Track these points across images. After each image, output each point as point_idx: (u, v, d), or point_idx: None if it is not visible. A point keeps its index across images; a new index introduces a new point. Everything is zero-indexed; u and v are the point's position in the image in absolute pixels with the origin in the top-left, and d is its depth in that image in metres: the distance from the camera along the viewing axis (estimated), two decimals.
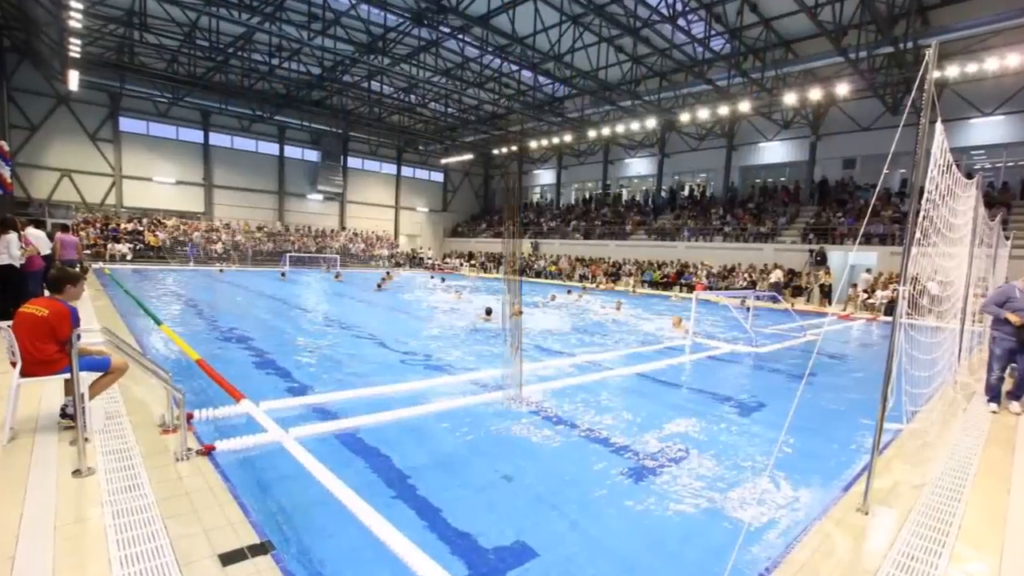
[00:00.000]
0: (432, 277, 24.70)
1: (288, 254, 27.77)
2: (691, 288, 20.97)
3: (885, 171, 15.46)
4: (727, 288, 20.60)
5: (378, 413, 4.68)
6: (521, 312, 12.13)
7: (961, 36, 15.37)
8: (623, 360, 7.85)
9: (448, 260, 36.09)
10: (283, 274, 21.87)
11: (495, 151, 34.91)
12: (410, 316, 11.97)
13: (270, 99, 27.29)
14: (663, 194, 30.84)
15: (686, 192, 30.65)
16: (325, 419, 4.52)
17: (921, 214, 3.72)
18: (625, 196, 34.10)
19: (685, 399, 5.96)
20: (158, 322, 8.80)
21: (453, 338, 9.07)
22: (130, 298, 11.87)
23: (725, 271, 22.44)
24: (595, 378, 6.61)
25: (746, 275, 21.24)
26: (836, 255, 20.09)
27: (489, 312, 11.27)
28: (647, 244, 27.20)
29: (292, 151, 33.28)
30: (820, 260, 20.04)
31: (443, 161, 38.94)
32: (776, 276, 19.67)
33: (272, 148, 32.44)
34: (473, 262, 34.44)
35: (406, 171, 39.02)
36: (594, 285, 24.59)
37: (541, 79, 23.27)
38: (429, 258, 35.58)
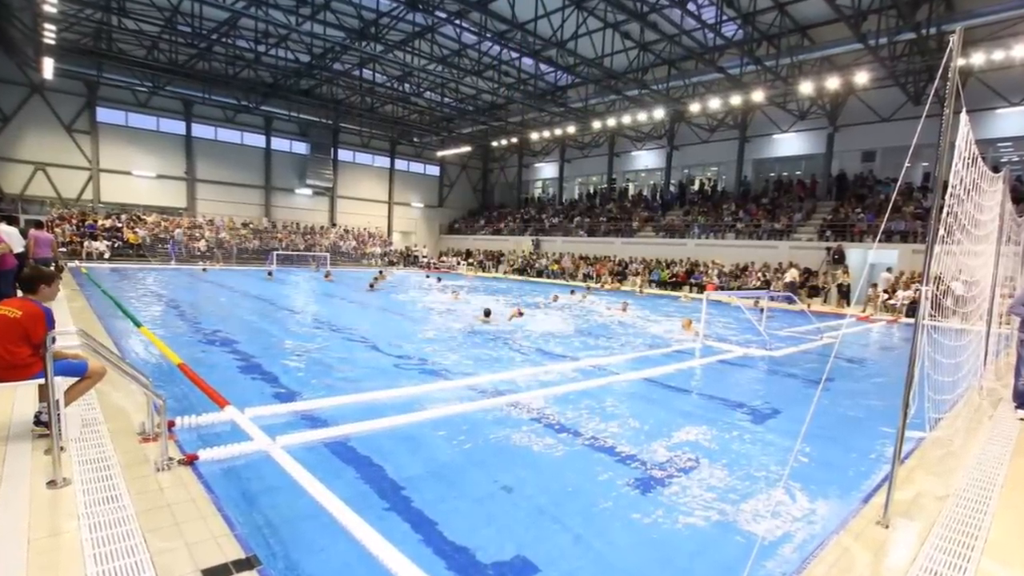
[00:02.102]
0: (427, 276, 24.72)
1: (275, 252, 27.79)
2: (701, 288, 20.98)
3: (907, 164, 15.53)
4: (739, 288, 20.61)
5: (370, 420, 4.68)
6: (522, 313, 12.16)
7: (987, 21, 15.34)
8: (630, 364, 7.86)
9: (445, 259, 36.11)
10: (270, 273, 21.88)
11: (494, 143, 34.92)
12: (404, 318, 11.98)
13: (256, 88, 27.30)
14: (672, 189, 30.84)
15: (696, 187, 30.65)
16: (314, 427, 4.52)
17: (945, 210, 3.73)
18: (632, 191, 34.13)
19: (695, 405, 5.97)
20: (138, 324, 8.80)
21: (450, 341, 9.07)
22: (108, 299, 11.87)
23: (737, 270, 22.45)
24: (600, 383, 6.62)
25: (760, 274, 21.26)
26: (855, 253, 20.10)
27: (488, 313, 11.28)
28: (655, 242, 27.21)
29: (279, 143, 33.29)
30: (838, 259, 20.04)
31: (439, 154, 38.96)
32: (791, 275, 19.68)
33: (258, 140, 32.45)
34: (471, 260, 34.46)
35: (400, 164, 39.05)
36: (599, 285, 24.61)
37: (543, 67, 23.26)
38: (424, 256, 35.60)
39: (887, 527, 3.11)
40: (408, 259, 35.00)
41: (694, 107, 22.16)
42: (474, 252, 35.97)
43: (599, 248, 29.42)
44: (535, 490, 3.62)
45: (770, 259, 22.04)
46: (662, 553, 2.98)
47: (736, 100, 20.67)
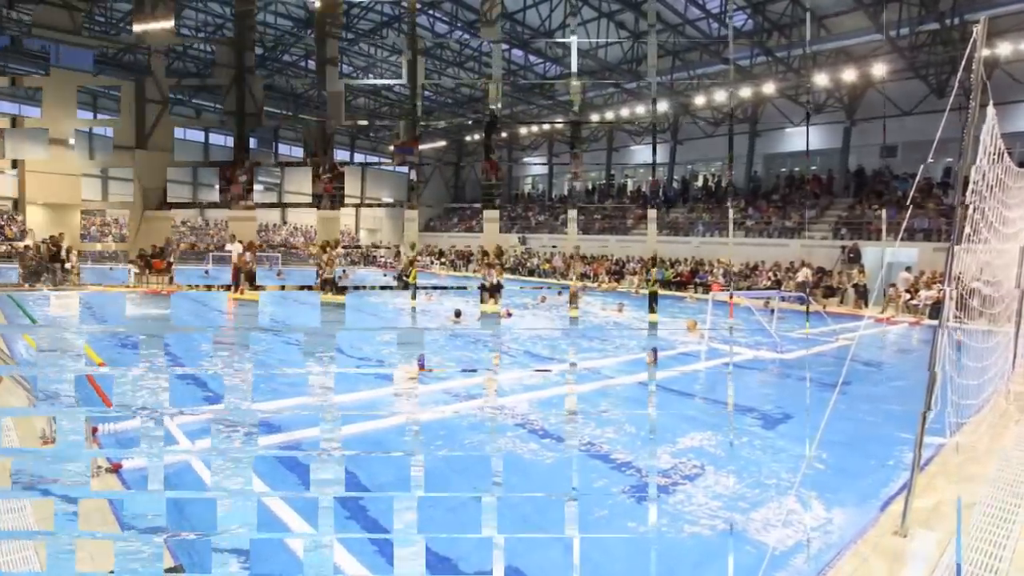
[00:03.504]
0: (384, 275, 24.72)
1: (211, 254, 27.03)
2: (707, 288, 21.14)
3: (930, 160, 15.83)
4: (749, 288, 20.84)
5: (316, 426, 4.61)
6: (510, 314, 12.18)
7: (1013, 10, 15.68)
8: (628, 367, 7.89)
9: (419, 257, 35.89)
10: (206, 272, 21.72)
11: (468, 138, 34.78)
12: (377, 318, 11.95)
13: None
14: (675, 185, 31.18)
15: (700, 182, 31.02)
16: (268, 432, 4.48)
17: (970, 207, 3.81)
18: (631, 186, 34.46)
19: (700, 410, 6.04)
20: (34, 322, 8.59)
21: (431, 344, 9.01)
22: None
23: (747, 269, 22.72)
24: (596, 386, 6.68)
25: (770, 274, 21.55)
26: (871, 252, 20.44)
27: (458, 314, 11.37)
28: (657, 239, 27.35)
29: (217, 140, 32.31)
30: (853, 257, 20.38)
31: (413, 149, 38.66)
32: (803, 275, 19.95)
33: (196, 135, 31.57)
34: (443, 260, 34.48)
35: (369, 159, 38.80)
36: (595, 285, 24.79)
37: (532, 58, 23.11)
38: (382, 257, 35.23)
39: (905, 537, 3.14)
40: (368, 259, 34.69)
41: (699, 100, 22.27)
42: (446, 251, 35.96)
43: (596, 247, 29.56)
44: (522, 499, 3.60)
45: (781, 258, 22.33)
46: (664, 564, 2.96)
47: (745, 92, 20.83)
